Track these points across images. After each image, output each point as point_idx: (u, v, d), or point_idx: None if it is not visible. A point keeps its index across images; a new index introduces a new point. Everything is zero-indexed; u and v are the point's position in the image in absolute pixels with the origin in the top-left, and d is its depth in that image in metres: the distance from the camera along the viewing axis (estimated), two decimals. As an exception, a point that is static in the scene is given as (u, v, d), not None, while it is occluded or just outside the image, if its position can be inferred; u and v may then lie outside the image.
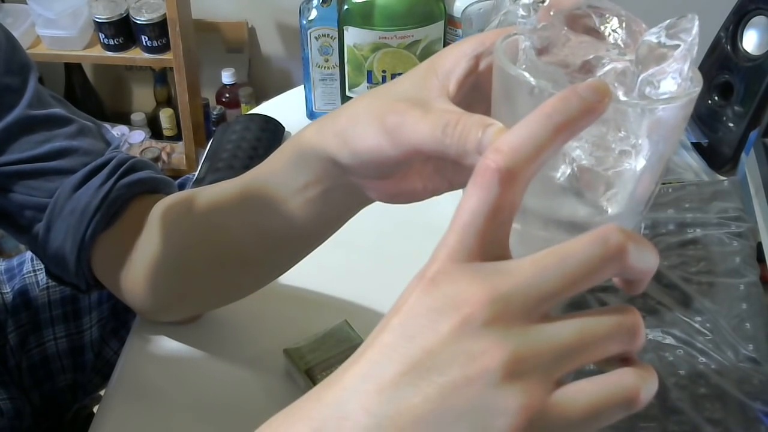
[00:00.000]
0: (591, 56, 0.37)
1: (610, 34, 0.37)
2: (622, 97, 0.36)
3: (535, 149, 0.31)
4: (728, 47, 0.85)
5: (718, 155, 0.85)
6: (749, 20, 0.84)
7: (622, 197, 0.38)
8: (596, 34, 0.37)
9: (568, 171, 0.37)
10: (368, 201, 0.50)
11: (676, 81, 0.36)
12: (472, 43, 0.43)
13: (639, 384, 0.31)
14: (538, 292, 0.30)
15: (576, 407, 0.30)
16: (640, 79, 0.36)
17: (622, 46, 0.37)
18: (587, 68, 0.37)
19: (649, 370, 0.32)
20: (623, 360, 0.32)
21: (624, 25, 0.37)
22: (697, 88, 0.36)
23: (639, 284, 0.32)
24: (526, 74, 0.36)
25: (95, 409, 0.65)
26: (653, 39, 0.36)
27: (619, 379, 0.31)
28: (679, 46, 0.35)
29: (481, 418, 0.29)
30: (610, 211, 0.38)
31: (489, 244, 0.32)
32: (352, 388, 0.31)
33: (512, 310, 0.30)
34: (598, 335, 0.31)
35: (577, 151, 0.36)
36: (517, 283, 0.30)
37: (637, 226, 0.40)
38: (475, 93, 0.43)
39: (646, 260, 0.31)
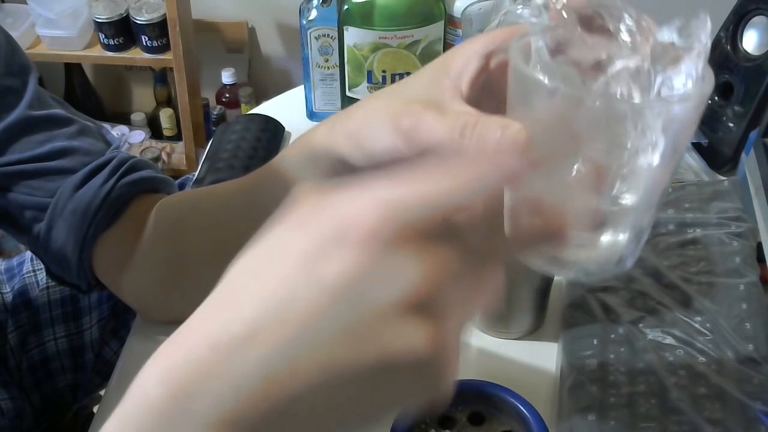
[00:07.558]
0: (603, 55, 0.37)
1: (620, 33, 0.37)
2: (637, 97, 0.36)
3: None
4: (728, 47, 0.85)
5: (718, 155, 0.85)
6: (749, 20, 0.84)
7: (637, 193, 0.38)
8: (607, 32, 0.37)
9: (584, 168, 0.37)
10: None
11: (690, 79, 0.36)
12: (482, 42, 0.43)
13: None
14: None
15: None
16: (657, 81, 0.36)
17: (633, 44, 0.37)
18: (599, 67, 0.37)
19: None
20: None
21: (634, 23, 0.38)
22: (709, 87, 0.37)
23: None
24: (545, 78, 0.36)
25: (95, 409, 0.65)
26: (667, 40, 0.36)
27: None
28: (693, 47, 0.36)
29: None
30: (624, 204, 0.38)
31: None
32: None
33: None
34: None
35: (594, 150, 0.36)
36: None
37: (651, 219, 0.40)
38: (485, 91, 0.43)
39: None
